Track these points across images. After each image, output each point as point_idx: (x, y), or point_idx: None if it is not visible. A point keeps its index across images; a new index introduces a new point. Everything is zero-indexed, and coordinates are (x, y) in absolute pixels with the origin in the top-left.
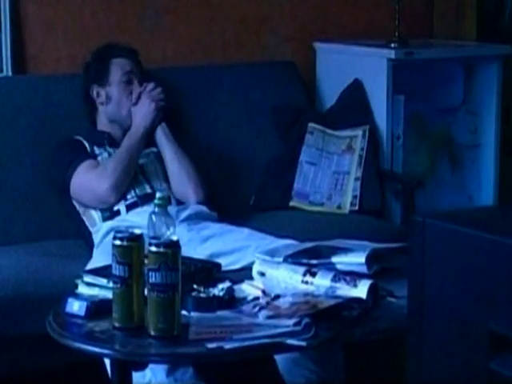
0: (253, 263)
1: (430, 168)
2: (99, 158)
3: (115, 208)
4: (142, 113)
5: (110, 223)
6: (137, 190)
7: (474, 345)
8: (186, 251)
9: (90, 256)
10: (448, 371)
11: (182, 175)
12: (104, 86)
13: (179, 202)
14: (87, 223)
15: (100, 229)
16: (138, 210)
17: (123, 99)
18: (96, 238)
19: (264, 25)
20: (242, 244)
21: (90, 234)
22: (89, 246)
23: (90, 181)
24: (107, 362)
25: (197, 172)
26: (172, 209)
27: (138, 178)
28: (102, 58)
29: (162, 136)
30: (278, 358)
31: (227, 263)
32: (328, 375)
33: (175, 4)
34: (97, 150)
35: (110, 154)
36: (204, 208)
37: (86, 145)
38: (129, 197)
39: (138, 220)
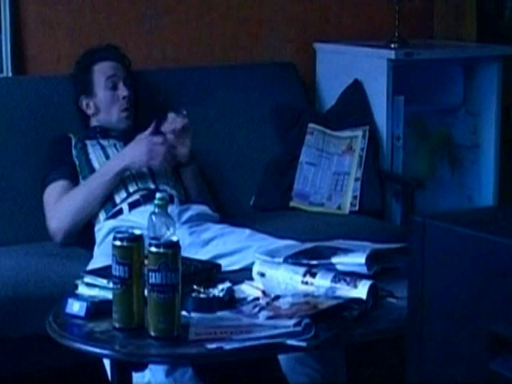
0: (253, 264)
1: (430, 169)
2: (91, 157)
3: (118, 206)
4: (136, 152)
5: (112, 222)
6: (140, 186)
7: (474, 345)
8: (188, 255)
9: (90, 256)
10: (448, 371)
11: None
12: (91, 96)
13: (182, 202)
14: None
15: (102, 228)
16: (141, 209)
17: (111, 107)
18: (98, 237)
19: (264, 25)
20: (242, 245)
21: (92, 226)
22: (90, 241)
23: (47, 208)
24: (106, 362)
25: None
26: (174, 209)
27: (142, 171)
28: (84, 67)
29: (190, 179)
30: (281, 357)
31: (228, 264)
32: (329, 375)
33: (175, 4)
34: (89, 144)
35: (103, 147)
36: (206, 208)
37: (73, 142)
38: (131, 191)
39: (139, 220)
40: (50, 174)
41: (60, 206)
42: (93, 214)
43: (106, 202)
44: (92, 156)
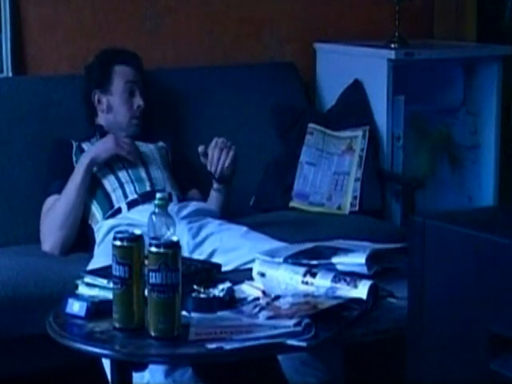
0: (245, 264)
1: (430, 168)
2: None
3: (116, 206)
4: (103, 145)
5: (111, 221)
6: (136, 187)
7: (474, 345)
8: (185, 251)
9: (90, 256)
10: (448, 371)
11: None
12: (106, 93)
13: (180, 200)
14: (88, 218)
15: (101, 227)
16: (140, 207)
17: (124, 111)
18: (98, 237)
19: (264, 25)
20: (237, 243)
21: (91, 228)
22: (90, 242)
23: (41, 222)
24: (106, 362)
25: None
26: (173, 206)
27: (139, 173)
28: (104, 63)
29: (218, 196)
30: (282, 358)
31: (222, 262)
32: (328, 375)
33: (175, 5)
34: (86, 147)
35: None
36: (205, 204)
37: (74, 149)
38: (129, 195)
39: (139, 218)
40: (48, 186)
41: (48, 225)
42: (79, 217)
43: (104, 203)
44: None
